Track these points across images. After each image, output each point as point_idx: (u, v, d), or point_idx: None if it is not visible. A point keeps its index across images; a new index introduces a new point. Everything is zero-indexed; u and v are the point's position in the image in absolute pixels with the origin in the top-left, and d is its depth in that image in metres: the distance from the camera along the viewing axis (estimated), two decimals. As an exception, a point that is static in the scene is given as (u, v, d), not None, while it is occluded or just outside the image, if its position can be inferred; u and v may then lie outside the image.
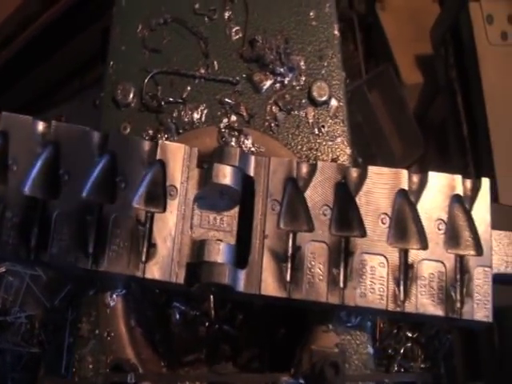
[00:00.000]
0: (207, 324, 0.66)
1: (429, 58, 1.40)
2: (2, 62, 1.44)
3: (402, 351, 1.30)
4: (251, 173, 0.55)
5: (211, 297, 0.67)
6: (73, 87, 1.66)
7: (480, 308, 0.52)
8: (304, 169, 0.55)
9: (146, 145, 0.57)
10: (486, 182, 0.55)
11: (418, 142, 1.43)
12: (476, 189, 0.55)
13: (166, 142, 0.56)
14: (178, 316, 0.67)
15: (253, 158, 0.55)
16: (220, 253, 0.53)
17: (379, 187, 0.54)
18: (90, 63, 1.59)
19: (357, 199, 0.53)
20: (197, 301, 0.67)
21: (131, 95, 0.65)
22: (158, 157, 0.56)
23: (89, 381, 0.53)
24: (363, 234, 0.53)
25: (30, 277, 1.40)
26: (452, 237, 0.54)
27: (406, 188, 0.54)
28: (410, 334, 1.31)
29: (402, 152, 1.46)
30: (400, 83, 1.45)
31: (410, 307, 0.51)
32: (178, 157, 0.56)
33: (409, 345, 1.31)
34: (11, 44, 1.43)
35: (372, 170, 0.54)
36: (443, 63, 1.25)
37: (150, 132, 0.64)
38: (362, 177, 0.54)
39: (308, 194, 0.54)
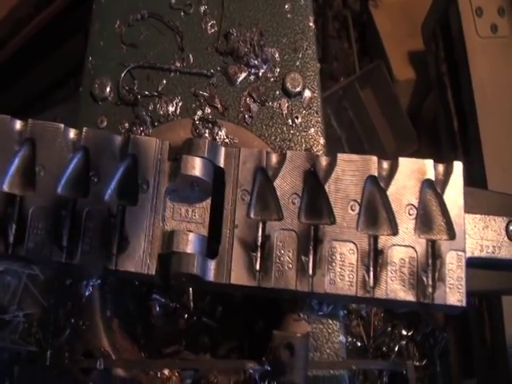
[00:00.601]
0: (186, 316, 0.66)
1: (421, 53, 1.40)
2: (-4, 65, 1.46)
3: (396, 349, 1.29)
4: (221, 164, 0.55)
5: (190, 289, 0.67)
6: (68, 89, 1.68)
7: (453, 292, 0.52)
8: (274, 158, 0.55)
9: (118, 140, 0.57)
10: (458, 166, 0.55)
11: (411, 137, 1.42)
12: (448, 173, 0.55)
13: (138, 137, 0.57)
14: (158, 308, 0.67)
15: (223, 149, 0.56)
16: (189, 243, 0.53)
17: (349, 174, 0.54)
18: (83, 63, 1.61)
19: (326, 187, 0.53)
20: (176, 293, 0.67)
21: (108, 89, 0.66)
22: (129, 151, 0.56)
23: (64, 368, 0.54)
24: (332, 221, 0.53)
25: (27, 276, 1.42)
26: (424, 222, 0.54)
27: (376, 174, 0.54)
28: (404, 332, 1.30)
29: (396, 147, 1.45)
30: (392, 79, 1.45)
31: (379, 293, 0.51)
32: (149, 150, 0.56)
33: (403, 342, 1.30)
34: (5, 47, 1.44)
35: (341, 157, 0.54)
36: (434, 58, 1.25)
37: (126, 125, 0.65)
38: (332, 164, 0.54)
39: (277, 183, 0.54)
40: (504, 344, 0.94)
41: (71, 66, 1.59)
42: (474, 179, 1.02)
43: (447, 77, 1.18)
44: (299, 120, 0.63)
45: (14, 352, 1.35)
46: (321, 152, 0.62)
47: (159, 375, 0.55)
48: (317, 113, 0.63)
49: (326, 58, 1.61)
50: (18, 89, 1.56)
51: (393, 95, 1.44)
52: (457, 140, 1.13)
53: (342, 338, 0.53)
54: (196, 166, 0.54)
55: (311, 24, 0.67)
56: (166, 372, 0.55)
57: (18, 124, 0.59)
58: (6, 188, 0.57)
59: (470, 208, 0.56)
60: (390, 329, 1.30)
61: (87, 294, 0.57)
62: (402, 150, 1.40)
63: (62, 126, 0.58)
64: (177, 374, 0.55)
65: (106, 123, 0.65)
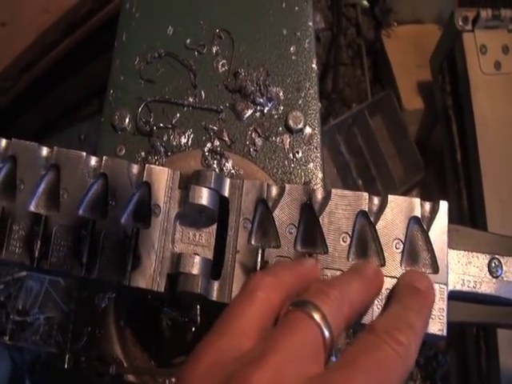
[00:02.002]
0: (194, 329, 0.71)
1: (429, 84, 1.45)
2: (25, 84, 1.55)
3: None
4: (226, 194, 0.61)
5: (197, 305, 0.72)
6: (91, 108, 1.76)
7: (434, 322, 0.56)
8: (274, 191, 0.60)
9: (135, 168, 0.63)
10: (443, 205, 0.60)
11: (418, 165, 1.46)
12: (434, 211, 0.59)
13: (152, 166, 0.62)
14: (168, 321, 0.72)
15: (228, 181, 0.61)
16: (194, 265, 0.58)
17: (341, 208, 0.59)
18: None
19: (320, 219, 0.58)
20: (185, 308, 0.72)
21: (127, 120, 0.72)
22: (144, 179, 0.62)
23: (81, 372, 0.60)
24: (325, 251, 0.57)
25: (49, 281, 1.49)
26: (410, 256, 0.58)
27: (366, 209, 0.58)
28: (407, 355, 1.32)
29: (403, 175, 1.50)
30: (401, 108, 1.50)
31: (366, 319, 0.55)
32: (161, 179, 0.62)
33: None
34: (34, 68, 1.53)
35: (335, 192, 0.59)
36: (440, 91, 1.30)
37: (143, 154, 0.71)
38: (326, 198, 0.59)
39: (276, 213, 0.59)
40: (498, 372, 0.97)
41: (95, 86, 1.68)
42: (475, 211, 1.06)
43: (452, 110, 1.22)
44: (300, 155, 0.68)
45: (34, 352, 1.42)
46: (319, 185, 0.67)
47: (167, 383, 0.61)
48: (316, 148, 0.68)
49: (337, 86, 1.67)
50: (45, 107, 1.64)
51: (401, 124, 1.49)
52: (460, 172, 1.17)
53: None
54: (203, 196, 0.59)
55: (314, 65, 0.73)
56: (174, 380, 0.61)
57: (45, 151, 0.65)
58: (32, 208, 0.63)
59: (454, 244, 0.60)
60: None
61: (103, 305, 0.63)
62: (410, 178, 1.45)
63: (84, 154, 0.64)
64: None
65: (124, 151, 0.72)
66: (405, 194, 1.39)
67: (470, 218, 1.08)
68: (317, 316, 0.39)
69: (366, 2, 1.83)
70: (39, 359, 1.40)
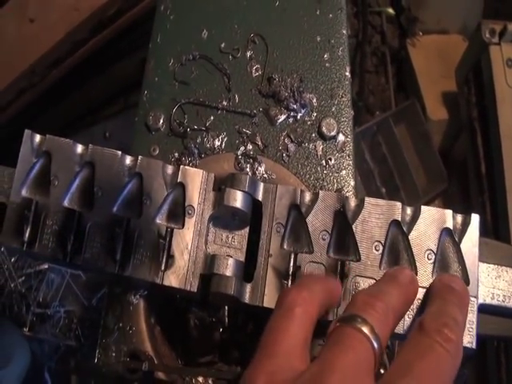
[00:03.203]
0: (221, 330, 0.71)
1: (454, 95, 1.45)
2: (52, 80, 1.58)
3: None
4: (260, 198, 0.62)
5: (226, 306, 0.73)
6: (117, 106, 1.79)
7: (464, 335, 0.56)
8: (307, 197, 0.61)
9: (170, 169, 0.64)
10: (475, 218, 0.60)
11: (441, 176, 1.46)
12: (466, 223, 0.60)
13: (187, 167, 0.63)
14: (196, 321, 0.73)
15: (261, 185, 0.62)
16: (228, 267, 0.59)
17: (374, 217, 0.59)
18: (133, 85, 1.72)
19: (353, 227, 0.59)
20: (213, 309, 0.73)
21: (161, 121, 0.73)
22: (179, 179, 0.63)
23: (111, 367, 0.61)
24: (358, 258, 0.58)
25: (70, 275, 1.51)
26: (441, 267, 0.59)
27: (399, 219, 0.59)
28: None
29: (426, 185, 1.49)
30: (426, 118, 1.50)
31: (397, 328, 0.55)
32: (196, 180, 0.63)
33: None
34: (62, 65, 1.56)
35: (369, 201, 0.60)
36: (466, 102, 1.30)
37: (176, 155, 0.72)
38: (360, 206, 0.60)
39: (309, 219, 0.60)
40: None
41: (121, 85, 1.70)
42: (498, 223, 1.05)
43: (477, 122, 1.22)
44: (332, 162, 0.69)
45: (54, 345, 1.44)
46: (351, 193, 0.67)
47: (194, 382, 0.62)
48: (349, 156, 0.69)
49: (362, 93, 1.67)
50: (71, 103, 1.67)
51: (426, 134, 1.49)
52: (484, 184, 1.17)
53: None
54: (237, 199, 0.60)
55: (347, 73, 0.73)
56: (201, 379, 0.61)
57: (80, 148, 0.66)
58: (66, 203, 0.64)
59: (484, 258, 0.60)
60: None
61: (135, 302, 0.64)
62: (432, 188, 1.44)
63: (120, 152, 0.65)
64: (210, 382, 0.61)
65: (157, 151, 0.73)
66: (427, 203, 1.38)
67: (493, 231, 1.08)
68: (366, 330, 0.40)
69: (391, 11, 1.83)
70: (58, 352, 1.43)
